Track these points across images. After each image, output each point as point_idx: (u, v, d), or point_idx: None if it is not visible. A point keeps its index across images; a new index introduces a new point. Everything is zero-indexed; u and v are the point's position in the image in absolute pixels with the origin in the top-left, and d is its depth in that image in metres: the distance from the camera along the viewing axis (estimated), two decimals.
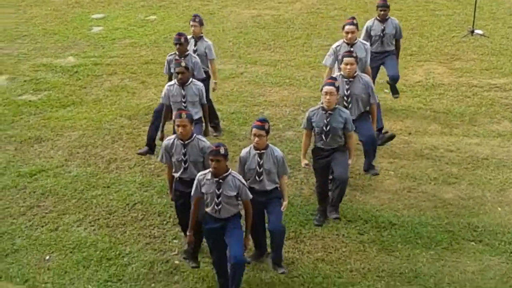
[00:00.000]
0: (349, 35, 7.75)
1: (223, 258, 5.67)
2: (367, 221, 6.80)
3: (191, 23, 8.61)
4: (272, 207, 5.94)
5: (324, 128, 6.39)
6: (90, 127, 9.19)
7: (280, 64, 11.21)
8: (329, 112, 6.39)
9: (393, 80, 8.83)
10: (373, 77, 8.53)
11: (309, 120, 6.52)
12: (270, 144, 5.93)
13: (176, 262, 6.31)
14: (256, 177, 5.86)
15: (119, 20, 13.86)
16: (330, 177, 6.79)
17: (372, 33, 8.74)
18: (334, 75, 7.13)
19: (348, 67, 6.92)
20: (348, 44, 7.77)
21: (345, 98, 6.97)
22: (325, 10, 14.29)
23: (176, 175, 6.12)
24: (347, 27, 7.79)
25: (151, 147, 8.18)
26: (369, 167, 7.35)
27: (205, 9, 14.84)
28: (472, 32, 12.14)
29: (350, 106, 6.98)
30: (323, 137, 6.45)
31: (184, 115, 5.90)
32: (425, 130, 8.67)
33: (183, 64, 7.16)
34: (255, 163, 5.85)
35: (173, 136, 6.14)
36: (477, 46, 11.49)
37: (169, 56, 8.19)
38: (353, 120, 6.69)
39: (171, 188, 6.27)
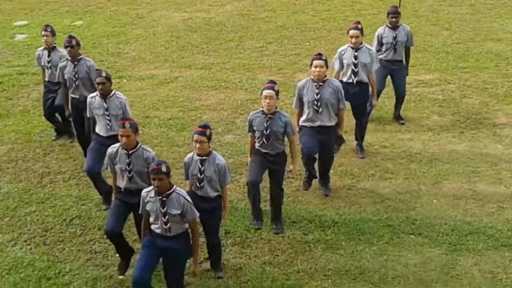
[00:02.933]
0: (353, 40, 7.65)
1: (144, 271, 5.33)
2: (311, 221, 6.87)
3: (43, 32, 8.37)
4: (209, 218, 5.87)
5: (265, 131, 6.38)
6: (19, 140, 8.78)
7: (215, 67, 11.16)
8: (269, 116, 6.37)
9: (399, 98, 8.93)
10: (379, 85, 8.55)
11: (250, 124, 6.50)
12: (213, 152, 5.85)
13: (120, 277, 6.11)
14: (197, 183, 5.79)
15: None
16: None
17: (384, 40, 8.63)
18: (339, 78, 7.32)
19: (318, 69, 6.76)
20: (353, 48, 7.71)
21: (315, 102, 6.84)
22: (256, 12, 14.39)
23: (121, 185, 5.93)
24: (351, 32, 7.68)
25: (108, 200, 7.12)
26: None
27: (134, 13, 14.58)
28: None
29: (320, 110, 6.86)
30: (264, 140, 6.43)
31: (127, 124, 5.70)
32: None
33: (103, 74, 6.75)
34: (197, 169, 5.76)
35: (118, 144, 5.92)
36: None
37: (61, 62, 7.87)
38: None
39: (115, 192, 6.10)
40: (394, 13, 8.63)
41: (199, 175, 5.75)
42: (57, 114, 8.69)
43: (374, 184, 7.56)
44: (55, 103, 8.43)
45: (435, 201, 7.21)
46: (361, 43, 7.74)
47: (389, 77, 8.93)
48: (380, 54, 8.68)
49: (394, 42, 8.61)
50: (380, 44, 8.71)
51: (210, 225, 5.95)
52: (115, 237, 5.95)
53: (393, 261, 6.24)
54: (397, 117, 9.12)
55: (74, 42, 7.63)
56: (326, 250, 6.42)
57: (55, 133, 8.84)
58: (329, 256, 6.34)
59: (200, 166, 5.74)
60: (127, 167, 5.82)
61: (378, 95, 8.82)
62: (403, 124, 8.99)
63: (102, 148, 6.55)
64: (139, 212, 5.49)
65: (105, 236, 6.16)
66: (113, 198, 6.32)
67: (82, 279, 6.09)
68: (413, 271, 6.08)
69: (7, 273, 6.20)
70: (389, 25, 8.69)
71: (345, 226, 6.76)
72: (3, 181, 7.79)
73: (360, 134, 8.17)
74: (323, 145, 7.02)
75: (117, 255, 6.24)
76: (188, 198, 5.33)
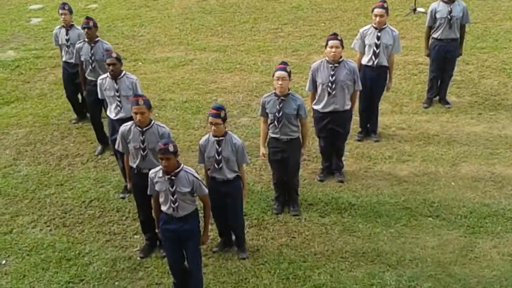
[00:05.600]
0: (378, 19, 7.38)
1: (178, 261, 5.55)
2: (327, 203, 6.87)
3: (61, 11, 8.37)
4: (231, 201, 5.88)
5: (277, 114, 6.29)
6: (37, 123, 8.85)
7: (230, 49, 11.11)
8: (281, 98, 6.28)
9: (446, 79, 8.65)
10: (436, 71, 8.39)
11: (263, 106, 6.42)
12: (229, 132, 5.84)
13: (140, 258, 6.19)
14: (215, 165, 5.77)
15: None
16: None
17: (438, 15, 8.16)
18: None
19: (333, 50, 6.61)
20: (376, 28, 7.47)
21: (329, 84, 6.71)
22: None
23: (134, 165, 5.93)
24: (376, 10, 7.40)
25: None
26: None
27: None
28: (415, 10, 12.40)
29: (334, 93, 6.72)
30: (276, 124, 6.32)
31: (141, 101, 5.67)
32: None
33: (114, 55, 6.69)
34: (214, 151, 5.75)
35: (130, 122, 5.91)
36: (420, 24, 11.71)
37: (78, 43, 7.88)
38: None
39: (129, 177, 6.10)
40: None
41: (216, 156, 5.73)
42: (79, 95, 8.72)
43: (391, 167, 7.52)
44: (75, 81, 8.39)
45: (453, 183, 7.16)
46: (385, 23, 7.52)
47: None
48: (433, 32, 8.36)
49: (449, 17, 8.14)
50: (434, 19, 8.25)
51: (233, 208, 5.95)
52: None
53: (411, 243, 6.23)
54: (443, 101, 8.82)
55: (91, 23, 7.63)
56: (343, 233, 6.42)
57: (75, 115, 8.87)
58: (346, 238, 6.34)
59: (217, 147, 5.73)
60: (141, 145, 5.80)
61: (437, 82, 8.69)
62: (449, 107, 8.72)
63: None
64: (148, 193, 5.48)
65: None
66: (127, 184, 6.31)
67: (102, 260, 6.17)
68: (430, 253, 6.07)
69: (28, 254, 6.30)
70: None
71: (362, 209, 6.76)
72: (22, 163, 7.88)
73: (374, 118, 8.07)
74: (336, 132, 6.98)
75: (137, 236, 6.31)
76: (197, 175, 5.34)
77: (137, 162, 5.90)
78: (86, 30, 7.63)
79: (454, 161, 7.56)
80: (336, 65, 6.73)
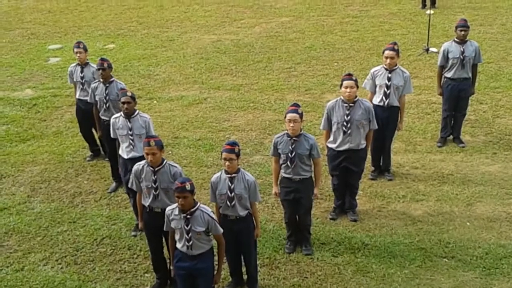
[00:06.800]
0: (388, 60, 7.45)
1: None
2: (340, 242, 6.79)
3: (76, 49, 8.56)
4: (243, 239, 5.85)
5: (290, 154, 6.27)
6: (52, 160, 8.95)
7: (243, 88, 11.23)
8: (294, 138, 6.28)
9: (459, 118, 8.65)
10: (449, 109, 8.42)
11: (275, 146, 6.41)
12: (241, 168, 5.85)
13: None
14: (228, 203, 5.75)
15: None
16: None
17: (450, 55, 8.21)
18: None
19: (348, 90, 6.65)
20: (386, 69, 7.53)
21: (344, 124, 6.73)
22: (284, 34, 14.47)
23: (146, 204, 5.94)
24: (386, 52, 7.46)
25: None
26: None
27: (164, 35, 14.84)
28: (427, 50, 12.49)
29: (349, 132, 6.74)
30: (289, 164, 6.31)
31: (153, 142, 5.71)
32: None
33: (129, 94, 6.79)
34: (226, 188, 5.73)
35: (143, 161, 5.95)
36: (432, 63, 11.77)
37: (93, 83, 8.03)
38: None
39: (141, 216, 6.10)
40: (463, 26, 8.19)
41: (229, 193, 5.71)
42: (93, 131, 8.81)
43: (405, 206, 7.45)
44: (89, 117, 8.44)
45: (468, 223, 7.05)
46: (396, 65, 7.57)
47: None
48: (445, 71, 8.41)
49: (461, 58, 8.18)
50: (446, 59, 8.31)
51: (246, 246, 5.91)
52: None
53: (426, 285, 6.10)
54: (457, 140, 8.77)
55: (106, 64, 7.78)
56: (357, 273, 6.32)
57: (90, 153, 8.95)
58: (360, 279, 6.23)
59: (230, 184, 5.72)
60: (153, 185, 5.83)
61: (450, 121, 8.67)
62: (463, 147, 8.66)
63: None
64: (164, 229, 5.49)
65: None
66: (139, 223, 6.31)
67: None
68: None
69: None
70: (456, 39, 8.29)
71: (376, 249, 6.66)
72: (36, 200, 7.93)
73: (386, 157, 8.04)
74: (350, 170, 6.96)
75: (148, 275, 6.26)
76: (212, 215, 5.34)
77: (149, 201, 5.91)
78: (100, 71, 7.78)
79: (469, 201, 7.46)
80: (351, 104, 6.76)
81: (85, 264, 6.67)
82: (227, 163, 5.66)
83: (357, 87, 6.77)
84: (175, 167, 5.89)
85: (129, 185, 6.20)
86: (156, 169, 5.82)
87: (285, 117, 6.27)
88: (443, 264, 6.38)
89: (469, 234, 6.83)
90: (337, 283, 6.18)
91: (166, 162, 5.88)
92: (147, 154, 5.76)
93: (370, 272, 6.32)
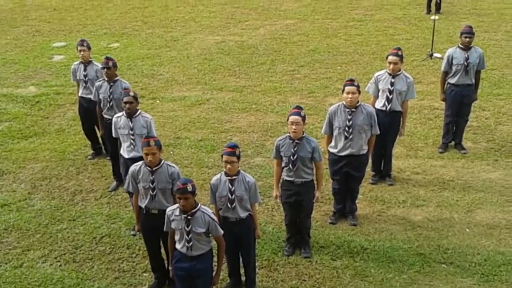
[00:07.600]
0: (391, 66, 7.44)
1: None
2: (339, 246, 6.79)
3: (79, 47, 8.56)
4: (243, 240, 5.85)
5: (292, 157, 6.28)
6: (54, 158, 8.96)
7: (246, 89, 11.24)
8: (296, 141, 6.29)
9: (461, 124, 8.65)
10: (452, 115, 8.43)
11: (277, 149, 6.41)
12: (241, 170, 5.85)
13: None
14: (228, 205, 5.75)
15: None
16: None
17: (454, 61, 8.23)
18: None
19: (350, 96, 6.65)
20: (390, 74, 7.52)
21: (346, 129, 6.74)
22: (288, 36, 14.48)
23: (143, 205, 5.92)
24: (390, 58, 7.45)
25: None
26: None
27: (169, 35, 14.86)
28: (431, 55, 12.48)
29: (351, 137, 6.75)
30: (291, 166, 6.31)
31: (152, 142, 5.71)
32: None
33: (131, 93, 6.79)
34: (226, 190, 5.73)
35: (141, 162, 5.94)
36: (436, 69, 11.77)
37: (97, 81, 8.04)
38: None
39: (138, 218, 6.09)
40: (468, 33, 8.20)
41: (229, 195, 5.71)
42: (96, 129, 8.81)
43: (405, 211, 7.44)
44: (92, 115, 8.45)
45: (467, 230, 7.04)
46: (399, 70, 7.57)
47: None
48: (449, 77, 8.42)
49: (465, 64, 8.19)
50: (450, 65, 8.32)
51: (246, 247, 5.91)
52: None
53: None
54: (459, 146, 8.77)
55: (111, 63, 7.79)
56: (355, 277, 6.31)
57: (92, 151, 8.97)
58: (358, 283, 6.23)
59: (230, 186, 5.72)
60: (150, 185, 5.80)
61: (452, 127, 8.68)
62: (465, 153, 8.66)
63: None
64: (164, 229, 5.48)
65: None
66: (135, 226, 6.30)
67: None
68: None
69: None
70: (460, 45, 8.30)
71: (375, 253, 6.65)
72: (36, 198, 7.95)
73: (387, 162, 8.03)
74: (351, 175, 6.96)
75: (146, 274, 6.27)
76: (213, 216, 5.34)
77: (146, 202, 5.88)
78: (105, 70, 7.79)
79: (469, 208, 7.45)
80: (353, 109, 6.76)
81: (84, 262, 6.68)
82: (228, 166, 5.66)
83: (359, 92, 6.76)
84: (173, 167, 5.88)
85: (125, 187, 6.18)
86: (154, 169, 5.81)
87: (288, 119, 6.27)
88: (442, 270, 6.37)
89: (469, 241, 6.82)
90: (335, 287, 6.17)
91: (163, 162, 5.87)
92: (147, 154, 5.75)
93: (368, 277, 6.31)
